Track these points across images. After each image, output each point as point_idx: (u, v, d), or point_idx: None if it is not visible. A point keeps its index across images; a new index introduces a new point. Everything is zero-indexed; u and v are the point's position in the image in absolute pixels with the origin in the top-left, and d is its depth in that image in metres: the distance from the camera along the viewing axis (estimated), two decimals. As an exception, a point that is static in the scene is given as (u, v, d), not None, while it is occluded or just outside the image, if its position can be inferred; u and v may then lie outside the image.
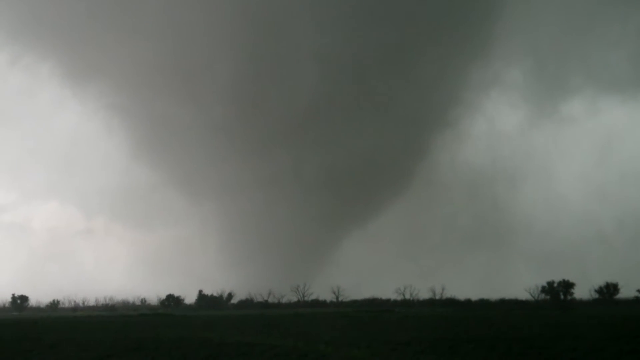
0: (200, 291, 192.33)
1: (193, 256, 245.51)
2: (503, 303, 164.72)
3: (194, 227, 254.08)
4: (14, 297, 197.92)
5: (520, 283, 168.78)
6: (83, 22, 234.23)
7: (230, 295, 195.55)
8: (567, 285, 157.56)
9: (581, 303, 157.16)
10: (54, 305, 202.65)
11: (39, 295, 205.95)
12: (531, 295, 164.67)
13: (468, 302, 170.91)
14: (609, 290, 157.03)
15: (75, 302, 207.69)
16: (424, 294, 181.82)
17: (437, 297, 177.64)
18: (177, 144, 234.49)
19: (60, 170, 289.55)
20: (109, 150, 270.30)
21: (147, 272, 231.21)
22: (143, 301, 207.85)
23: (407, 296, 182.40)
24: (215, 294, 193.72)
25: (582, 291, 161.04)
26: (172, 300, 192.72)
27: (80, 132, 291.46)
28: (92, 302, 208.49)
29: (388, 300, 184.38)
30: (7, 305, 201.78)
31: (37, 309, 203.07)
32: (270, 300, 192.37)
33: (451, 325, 66.39)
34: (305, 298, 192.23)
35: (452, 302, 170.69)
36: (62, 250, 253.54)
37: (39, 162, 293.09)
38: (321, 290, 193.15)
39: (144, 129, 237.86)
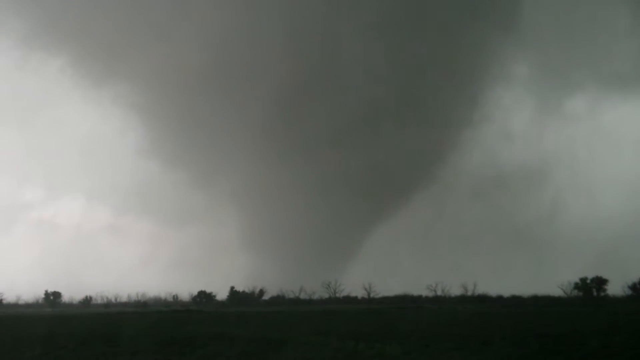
0: (232, 287, 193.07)
1: (224, 253, 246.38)
2: (535, 299, 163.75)
3: (224, 225, 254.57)
4: (47, 294, 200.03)
5: (552, 279, 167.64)
6: (117, 26, 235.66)
7: (261, 292, 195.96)
8: (600, 282, 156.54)
9: (614, 299, 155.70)
10: (87, 301, 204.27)
11: (72, 292, 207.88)
12: (564, 291, 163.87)
13: (500, 299, 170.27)
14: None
15: (107, 298, 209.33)
16: (455, 290, 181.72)
17: (469, 293, 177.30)
18: (215, 145, 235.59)
19: (88, 168, 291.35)
20: (138, 149, 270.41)
21: (177, 269, 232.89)
22: (175, 297, 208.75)
23: (439, 292, 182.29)
24: (246, 290, 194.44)
25: (616, 288, 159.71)
26: (203, 297, 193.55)
27: (109, 130, 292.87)
28: (124, 299, 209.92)
29: (420, 297, 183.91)
30: (40, 301, 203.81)
31: (70, 305, 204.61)
32: (302, 296, 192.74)
33: (483, 322, 66.22)
34: (337, 294, 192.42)
35: (484, 299, 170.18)
36: (92, 247, 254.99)
37: (65, 159, 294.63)
38: (352, 286, 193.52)
39: (175, 129, 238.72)
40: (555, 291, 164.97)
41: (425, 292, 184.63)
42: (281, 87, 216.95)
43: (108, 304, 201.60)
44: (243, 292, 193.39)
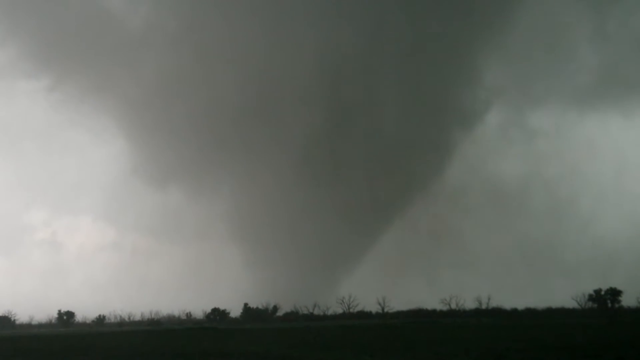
0: (246, 304, 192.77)
1: (234, 270, 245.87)
2: (550, 312, 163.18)
3: (234, 241, 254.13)
4: (60, 313, 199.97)
5: (566, 291, 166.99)
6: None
7: (275, 308, 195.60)
8: (614, 293, 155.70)
9: (629, 311, 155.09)
10: (100, 320, 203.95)
11: (85, 311, 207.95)
12: (578, 303, 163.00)
13: (514, 312, 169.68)
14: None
15: (121, 317, 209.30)
16: (470, 304, 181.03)
17: (483, 307, 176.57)
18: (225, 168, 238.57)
19: (92, 188, 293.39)
20: (143, 169, 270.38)
21: (189, 286, 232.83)
22: (188, 315, 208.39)
23: (453, 306, 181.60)
24: (260, 306, 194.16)
25: (630, 299, 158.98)
26: (217, 314, 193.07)
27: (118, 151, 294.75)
28: (137, 317, 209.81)
29: (434, 311, 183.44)
30: (53, 321, 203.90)
31: (84, 324, 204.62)
32: (316, 312, 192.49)
33: (498, 335, 66.02)
34: (351, 309, 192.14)
35: (498, 312, 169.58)
36: (102, 266, 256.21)
37: (69, 180, 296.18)
38: (366, 301, 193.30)
39: (186, 146, 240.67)
40: (570, 303, 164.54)
41: (439, 306, 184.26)
42: (313, 124, 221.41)
43: (121, 323, 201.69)
44: (257, 308, 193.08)
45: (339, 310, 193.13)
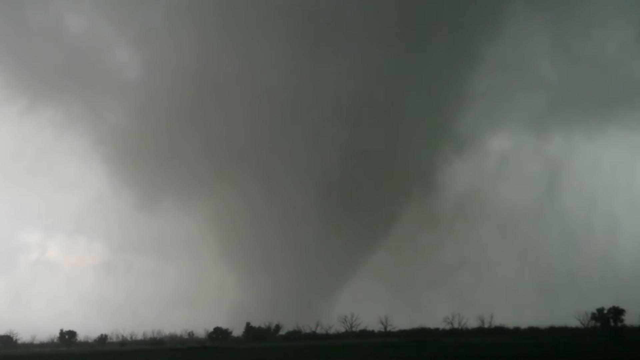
0: (248, 323, 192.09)
1: (237, 289, 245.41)
2: (553, 330, 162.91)
3: (236, 261, 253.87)
4: (62, 333, 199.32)
5: (569, 310, 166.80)
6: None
7: (277, 327, 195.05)
8: (617, 312, 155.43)
9: (632, 330, 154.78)
10: (102, 339, 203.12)
11: (86, 330, 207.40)
12: (581, 322, 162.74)
13: (517, 330, 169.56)
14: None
15: (123, 336, 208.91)
16: (472, 323, 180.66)
17: (486, 325, 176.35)
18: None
19: (86, 208, 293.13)
20: (141, 190, 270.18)
21: (189, 305, 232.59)
22: (190, 334, 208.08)
23: (456, 325, 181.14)
24: (262, 326, 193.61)
25: (634, 318, 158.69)
26: (219, 333, 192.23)
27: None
28: (139, 336, 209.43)
29: (437, 330, 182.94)
30: (55, 340, 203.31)
31: (85, 343, 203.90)
32: (318, 331, 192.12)
33: (501, 354, 66.08)
34: (353, 328, 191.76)
35: (501, 330, 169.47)
36: (100, 286, 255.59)
37: (63, 200, 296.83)
38: (369, 320, 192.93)
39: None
40: (572, 322, 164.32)
41: (442, 325, 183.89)
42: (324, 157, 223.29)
43: (123, 342, 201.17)
44: (259, 327, 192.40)
45: (342, 329, 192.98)
